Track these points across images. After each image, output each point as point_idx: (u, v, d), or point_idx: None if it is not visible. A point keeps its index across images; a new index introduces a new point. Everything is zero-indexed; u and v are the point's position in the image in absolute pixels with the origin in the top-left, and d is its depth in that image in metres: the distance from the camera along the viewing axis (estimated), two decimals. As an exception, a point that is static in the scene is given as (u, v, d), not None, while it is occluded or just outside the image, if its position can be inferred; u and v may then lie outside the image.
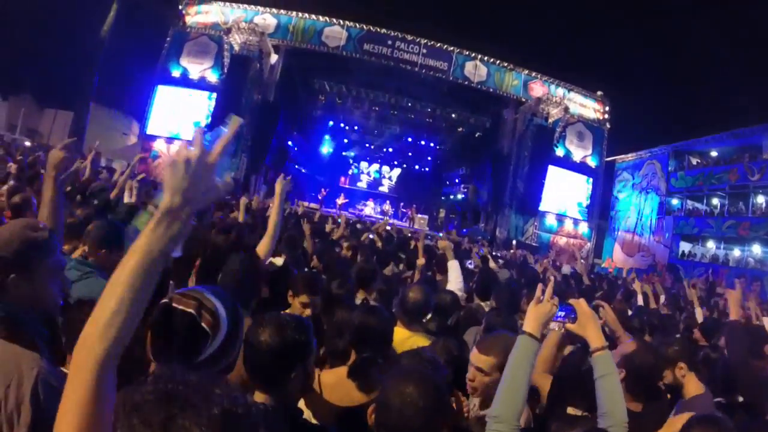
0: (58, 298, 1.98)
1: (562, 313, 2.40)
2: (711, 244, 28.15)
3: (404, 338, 3.53)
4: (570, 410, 2.44)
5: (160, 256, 1.18)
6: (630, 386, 2.63)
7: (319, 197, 29.50)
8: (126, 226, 4.17)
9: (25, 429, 1.46)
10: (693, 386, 3.36)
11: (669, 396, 3.53)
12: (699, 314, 7.26)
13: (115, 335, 1.12)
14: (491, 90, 28.27)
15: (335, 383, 2.61)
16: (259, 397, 1.93)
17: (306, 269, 5.55)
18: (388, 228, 14.87)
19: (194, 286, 1.81)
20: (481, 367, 2.65)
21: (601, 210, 31.71)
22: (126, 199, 7.35)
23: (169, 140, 26.31)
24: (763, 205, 25.51)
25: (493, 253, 15.80)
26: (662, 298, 9.52)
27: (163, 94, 26.91)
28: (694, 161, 30.34)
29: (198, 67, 26.99)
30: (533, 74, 29.25)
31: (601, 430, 2.05)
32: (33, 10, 28.87)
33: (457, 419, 2.41)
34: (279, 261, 4.97)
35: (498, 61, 28.41)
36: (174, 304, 1.63)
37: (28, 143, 25.15)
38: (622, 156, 33.78)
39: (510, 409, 2.05)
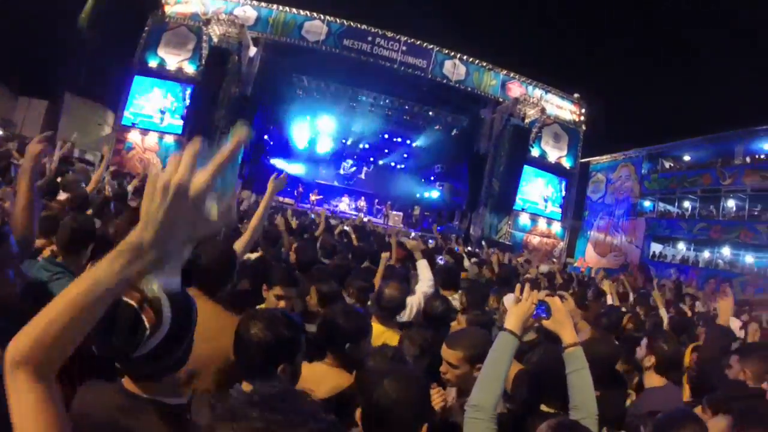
0: (13, 287, 1.95)
1: (537, 310, 2.46)
2: (682, 246, 28.69)
3: (378, 334, 3.58)
4: (543, 407, 2.51)
5: (107, 294, 1.01)
6: None
7: (296, 193, 29.40)
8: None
9: None
10: (655, 378, 3.49)
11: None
12: (663, 315, 7.41)
13: (41, 353, 1.01)
14: (470, 89, 28.41)
15: (306, 375, 2.59)
16: (247, 387, 1.97)
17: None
18: (365, 220, 14.90)
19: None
20: (450, 361, 2.80)
21: (574, 210, 32.08)
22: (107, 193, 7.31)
23: (144, 131, 26.03)
24: (734, 208, 26.10)
25: (468, 249, 15.91)
26: (631, 297, 9.69)
27: (139, 85, 26.53)
28: (667, 165, 30.92)
29: (176, 59, 26.64)
30: (511, 74, 29.42)
31: (572, 422, 2.08)
32: (8, -3, 28.36)
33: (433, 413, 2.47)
34: (254, 257, 4.97)
35: (477, 61, 28.55)
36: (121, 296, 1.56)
37: (0, 132, 24.70)
38: (597, 158, 34.19)
39: (488, 399, 2.14)
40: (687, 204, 29.11)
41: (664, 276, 22.08)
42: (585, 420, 2.17)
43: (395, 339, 3.63)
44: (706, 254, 27.07)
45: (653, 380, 3.56)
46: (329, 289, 4.02)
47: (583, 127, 31.18)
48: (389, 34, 27.01)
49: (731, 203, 26.30)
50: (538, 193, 29.96)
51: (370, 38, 26.83)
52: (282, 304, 3.45)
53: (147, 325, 1.54)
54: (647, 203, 30.73)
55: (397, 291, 4.03)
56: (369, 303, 4.44)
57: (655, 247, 29.59)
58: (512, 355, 2.29)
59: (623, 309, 7.28)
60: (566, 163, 30.68)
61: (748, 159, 25.83)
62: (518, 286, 2.58)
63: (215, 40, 24.50)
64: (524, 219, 29.63)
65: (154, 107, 26.28)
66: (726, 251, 26.03)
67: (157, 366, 1.60)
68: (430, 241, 13.83)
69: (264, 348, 1.99)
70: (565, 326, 2.44)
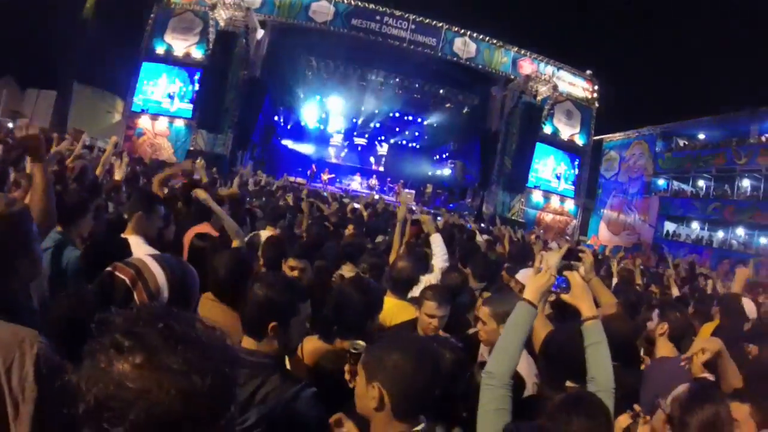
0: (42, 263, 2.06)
1: (557, 283, 2.50)
2: (695, 226, 28.56)
3: (390, 306, 3.59)
4: (569, 383, 2.49)
5: None
6: None
7: (309, 173, 29.56)
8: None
9: (31, 404, 1.44)
10: (668, 348, 3.46)
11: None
12: (675, 293, 7.34)
13: None
14: (480, 67, 28.23)
15: (314, 349, 2.75)
16: (246, 342, 2.12)
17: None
18: (376, 198, 15.10)
19: (147, 255, 1.83)
20: (482, 318, 3.10)
21: (587, 188, 32.07)
22: (117, 177, 7.29)
23: (154, 117, 26.26)
24: (749, 188, 25.87)
25: (481, 226, 16.01)
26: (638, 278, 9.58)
27: (147, 72, 26.65)
28: (681, 143, 30.74)
29: (183, 44, 26.65)
30: (522, 52, 29.19)
31: (583, 395, 2.10)
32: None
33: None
34: (265, 233, 4.99)
35: (487, 38, 28.31)
36: (115, 272, 1.62)
37: (11, 125, 24.78)
38: (610, 135, 33.95)
39: (502, 367, 2.17)
40: (701, 183, 28.97)
41: (677, 256, 21.95)
42: (601, 393, 2.15)
43: (407, 312, 3.69)
44: (719, 234, 26.95)
45: (665, 350, 3.52)
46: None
47: (596, 105, 31.03)
48: (397, 13, 26.77)
49: (746, 183, 26.14)
50: (550, 170, 30.03)
51: (378, 17, 26.62)
52: (295, 274, 3.73)
53: (138, 301, 1.59)
54: (661, 182, 30.55)
55: (409, 264, 4.08)
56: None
57: (669, 226, 29.47)
58: (530, 324, 2.31)
59: (636, 287, 7.21)
60: (579, 141, 30.59)
61: (763, 138, 25.46)
62: (538, 257, 2.65)
63: (222, 24, 24.32)
64: (537, 196, 29.70)
65: (163, 93, 26.44)
66: (740, 231, 25.92)
67: None
68: (438, 218, 13.91)
69: (258, 305, 2.11)
70: (584, 299, 2.47)
